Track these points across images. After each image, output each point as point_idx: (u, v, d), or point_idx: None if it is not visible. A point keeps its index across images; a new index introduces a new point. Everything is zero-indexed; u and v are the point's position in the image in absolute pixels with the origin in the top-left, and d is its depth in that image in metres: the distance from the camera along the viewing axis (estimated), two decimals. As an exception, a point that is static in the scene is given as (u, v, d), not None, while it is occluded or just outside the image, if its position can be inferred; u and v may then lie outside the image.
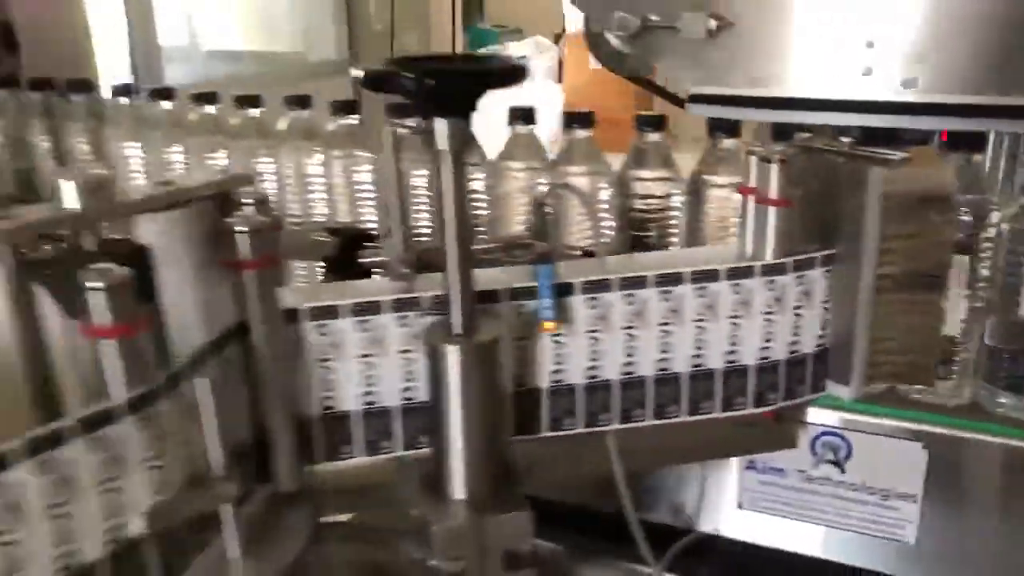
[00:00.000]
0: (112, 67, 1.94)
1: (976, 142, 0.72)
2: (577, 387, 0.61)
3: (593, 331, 0.60)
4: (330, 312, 0.56)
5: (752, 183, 0.61)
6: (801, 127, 0.66)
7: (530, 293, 0.58)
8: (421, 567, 0.55)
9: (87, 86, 1.04)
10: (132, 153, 0.99)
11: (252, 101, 0.96)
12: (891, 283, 0.63)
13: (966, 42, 0.59)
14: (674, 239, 0.84)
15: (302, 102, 0.92)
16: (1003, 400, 0.73)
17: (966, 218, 0.69)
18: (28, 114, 1.07)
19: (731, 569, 0.80)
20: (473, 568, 0.55)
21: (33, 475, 0.41)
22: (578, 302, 0.59)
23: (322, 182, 0.91)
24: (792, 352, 0.64)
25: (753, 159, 0.62)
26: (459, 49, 3.04)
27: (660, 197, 0.83)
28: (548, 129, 0.88)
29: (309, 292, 0.57)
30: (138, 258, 0.51)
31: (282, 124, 0.93)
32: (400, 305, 0.57)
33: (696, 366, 0.63)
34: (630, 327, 0.60)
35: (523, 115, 0.83)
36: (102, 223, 0.52)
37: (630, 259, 0.67)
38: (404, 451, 0.60)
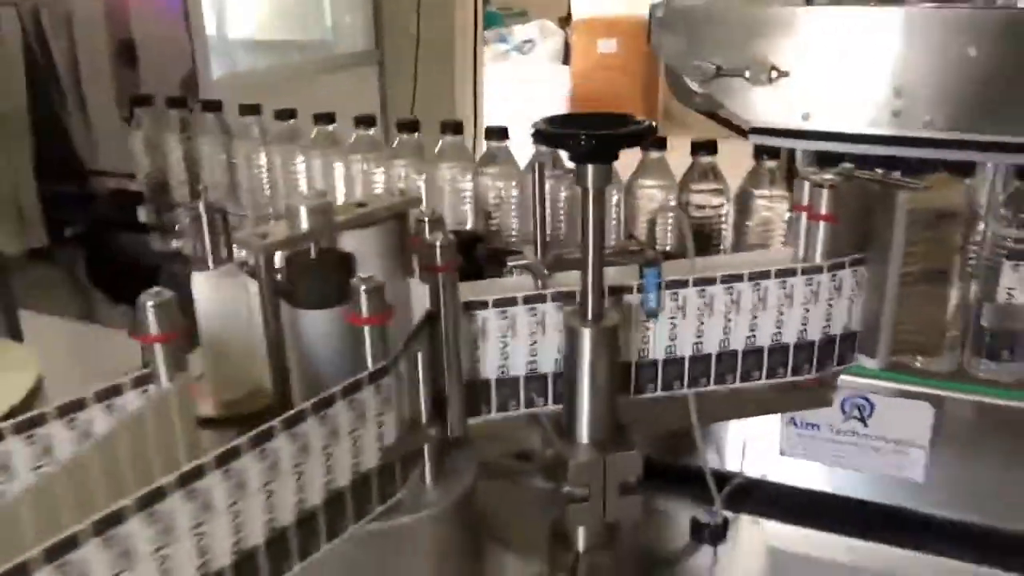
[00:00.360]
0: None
1: (968, 168, 0.81)
2: (659, 361, 0.70)
3: (672, 318, 0.69)
4: (482, 305, 0.66)
5: (805, 202, 0.68)
6: (841, 156, 0.75)
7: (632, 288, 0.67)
8: (556, 494, 0.64)
9: (216, 106, 1.16)
10: (262, 163, 1.13)
11: (367, 122, 1.08)
12: (911, 279, 0.68)
13: (970, 93, 0.72)
14: (723, 242, 0.96)
15: (412, 127, 1.05)
16: (986, 366, 0.85)
17: (961, 226, 0.74)
18: (163, 127, 1.21)
19: (775, 505, 0.85)
20: (596, 493, 0.63)
21: (314, 425, 0.52)
22: (665, 296, 0.67)
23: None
24: (824, 334, 0.71)
25: (807, 183, 0.68)
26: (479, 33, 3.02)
27: (714, 207, 0.95)
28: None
29: (465, 289, 0.65)
30: (346, 264, 0.62)
31: (395, 143, 1.07)
32: (529, 299, 0.66)
33: (749, 344, 0.70)
34: (700, 315, 0.69)
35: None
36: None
37: (703, 262, 0.73)
38: (525, 409, 0.69)
